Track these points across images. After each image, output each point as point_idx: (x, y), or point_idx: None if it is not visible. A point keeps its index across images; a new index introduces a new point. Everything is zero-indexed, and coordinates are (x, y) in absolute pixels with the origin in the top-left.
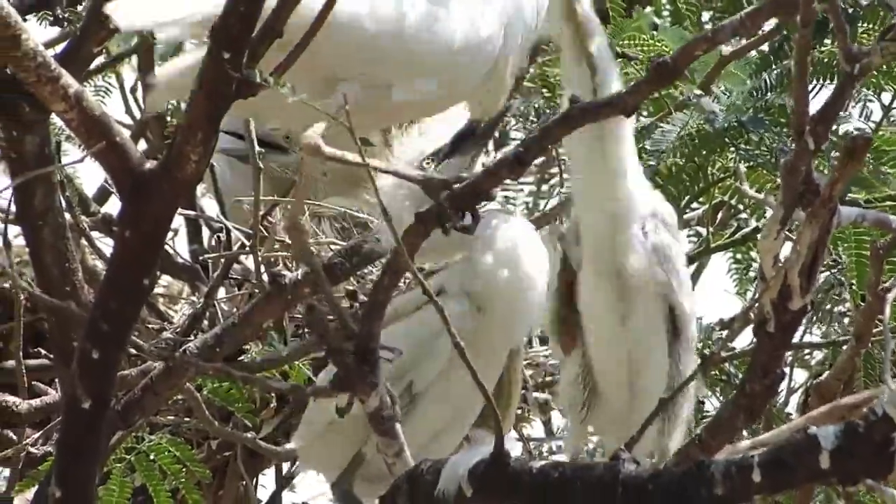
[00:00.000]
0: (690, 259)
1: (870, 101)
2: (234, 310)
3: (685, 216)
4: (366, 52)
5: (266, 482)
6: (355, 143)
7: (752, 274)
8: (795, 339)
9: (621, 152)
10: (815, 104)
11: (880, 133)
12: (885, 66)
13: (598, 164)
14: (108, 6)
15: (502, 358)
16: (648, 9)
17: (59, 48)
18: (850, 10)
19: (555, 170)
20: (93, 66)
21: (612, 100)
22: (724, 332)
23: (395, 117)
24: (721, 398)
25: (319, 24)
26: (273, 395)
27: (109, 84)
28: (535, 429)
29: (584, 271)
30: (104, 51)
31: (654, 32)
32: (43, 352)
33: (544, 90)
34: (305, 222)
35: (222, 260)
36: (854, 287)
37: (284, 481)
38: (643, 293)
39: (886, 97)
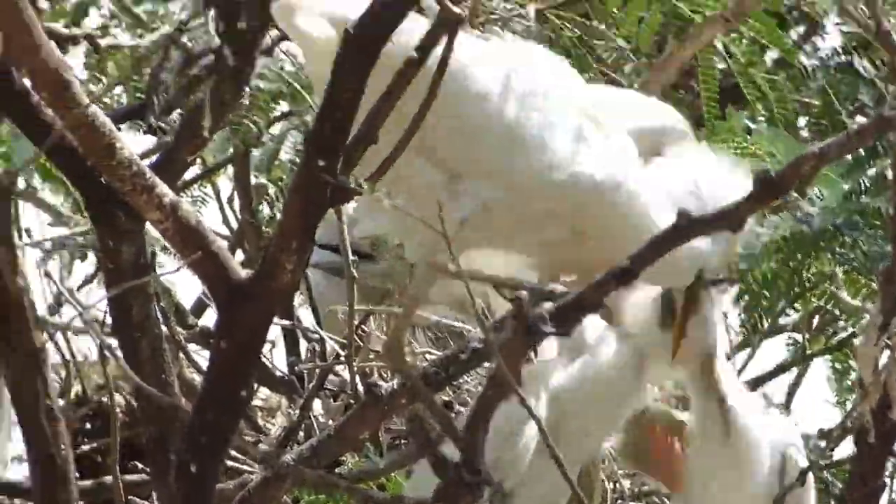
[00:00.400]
0: (788, 366)
1: None
2: (330, 421)
3: (780, 322)
4: (495, 152)
5: None
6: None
7: (849, 382)
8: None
9: None
10: None
11: None
12: None
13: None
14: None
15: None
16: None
17: (153, 157)
18: None
19: None
20: (189, 176)
21: (721, 213)
22: (824, 442)
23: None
24: None
25: (415, 128)
26: None
27: (206, 194)
28: None
29: None
30: (200, 161)
31: (748, 135)
32: (140, 466)
33: None
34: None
35: (317, 371)
36: None
37: None
38: None
39: None
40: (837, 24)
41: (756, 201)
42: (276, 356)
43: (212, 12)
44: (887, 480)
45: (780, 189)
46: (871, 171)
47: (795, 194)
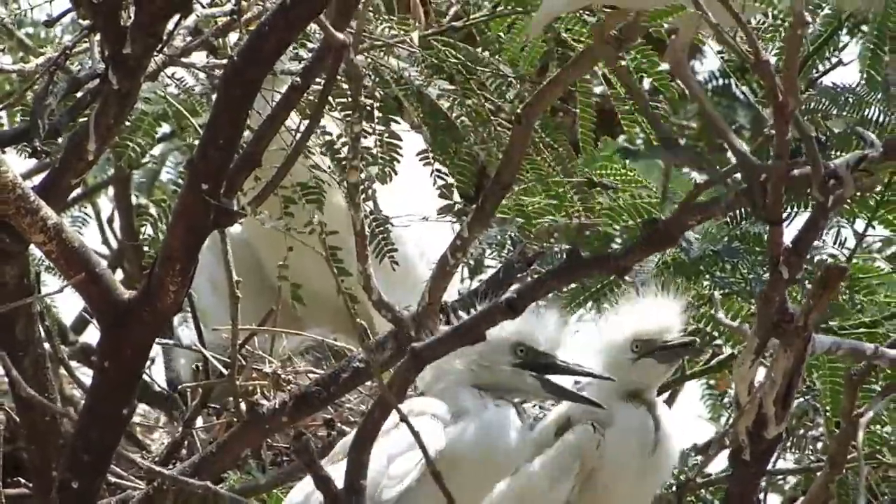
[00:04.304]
0: (666, 386)
1: (843, 227)
2: (213, 438)
3: None
4: None
5: None
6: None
7: (726, 400)
8: (769, 466)
9: None
10: (790, 231)
11: (854, 260)
12: (857, 194)
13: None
14: None
15: None
16: (622, 137)
17: (38, 179)
18: (824, 138)
19: None
20: (70, 196)
21: (607, 259)
22: (700, 458)
23: None
24: None
25: (296, 156)
26: None
27: (86, 214)
28: None
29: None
30: (81, 182)
31: (627, 161)
32: (22, 480)
33: (519, 219)
34: None
35: (200, 389)
36: (828, 413)
37: None
38: None
39: (860, 224)
40: (719, 51)
41: (643, 250)
42: (155, 372)
43: (97, 37)
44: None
45: (665, 239)
46: None
47: None
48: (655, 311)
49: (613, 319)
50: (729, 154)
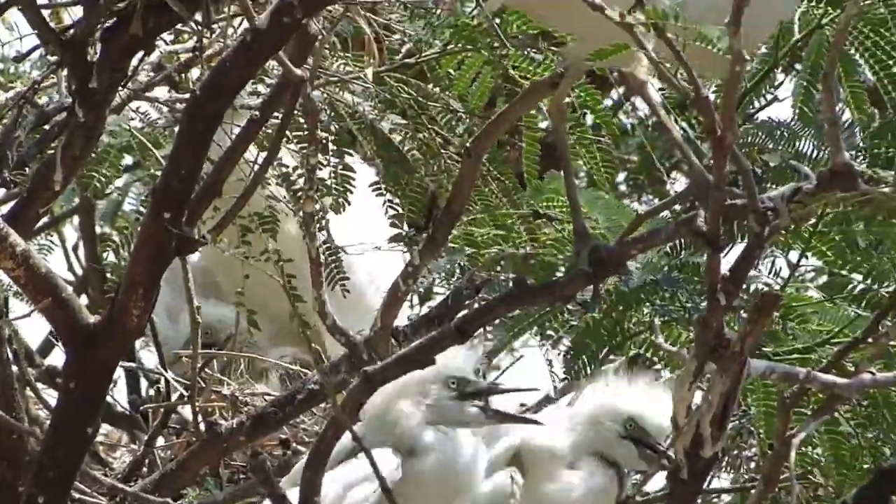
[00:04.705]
0: None
1: (777, 257)
2: (173, 457)
3: (602, 368)
4: None
5: None
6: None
7: None
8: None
9: None
10: (727, 260)
11: (788, 290)
12: (792, 225)
13: None
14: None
15: None
16: None
17: (6, 209)
18: (760, 171)
19: None
20: (37, 225)
21: (551, 288)
22: (639, 477)
23: None
24: None
25: (255, 187)
26: None
27: (52, 242)
28: None
29: None
30: (48, 211)
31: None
32: None
33: (468, 248)
34: None
35: (161, 409)
36: (762, 435)
37: None
38: None
39: (794, 255)
40: (661, 89)
41: (585, 281)
42: (117, 393)
43: (64, 72)
44: None
45: (608, 268)
46: None
47: None
48: (663, 409)
49: (620, 386)
50: (668, 187)
